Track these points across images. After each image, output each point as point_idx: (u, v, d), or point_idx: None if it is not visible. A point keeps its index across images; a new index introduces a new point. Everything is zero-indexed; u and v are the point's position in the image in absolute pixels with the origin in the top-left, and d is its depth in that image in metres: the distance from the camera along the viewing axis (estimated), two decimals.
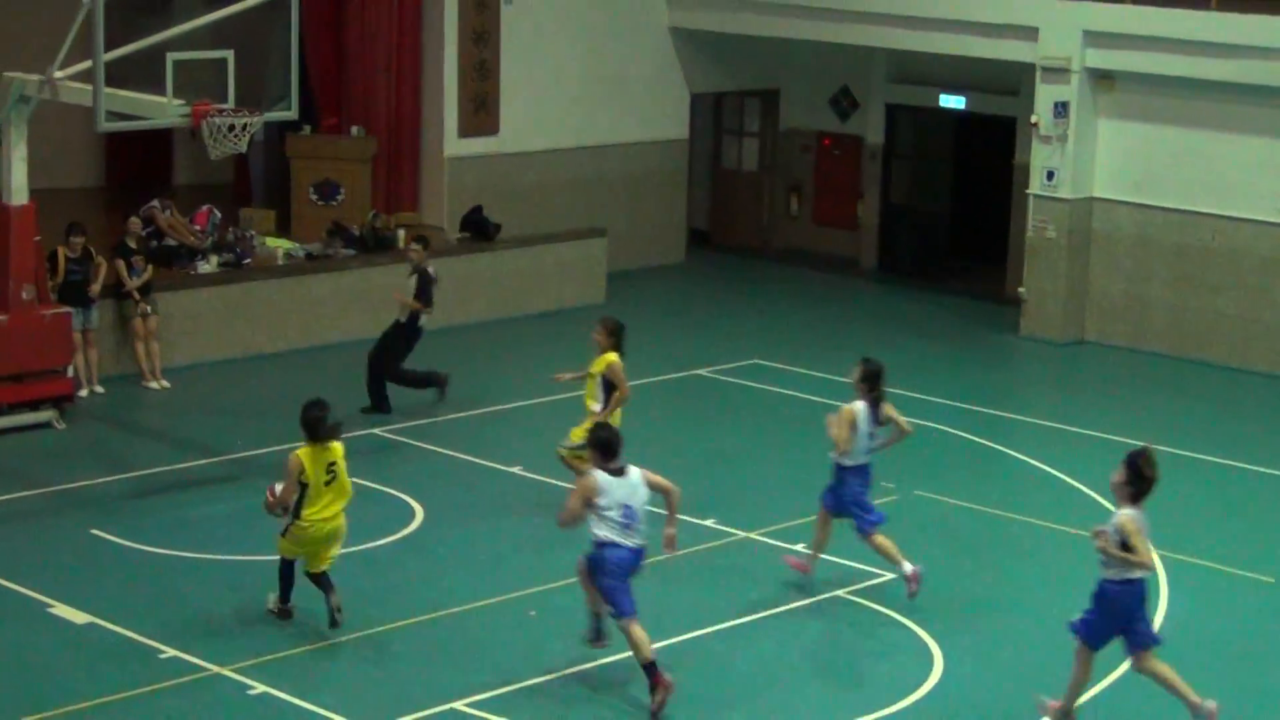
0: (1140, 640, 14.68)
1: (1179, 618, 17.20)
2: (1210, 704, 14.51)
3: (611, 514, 14.89)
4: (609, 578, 14.97)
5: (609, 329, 19.21)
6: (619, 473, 15.00)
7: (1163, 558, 18.62)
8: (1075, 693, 14.90)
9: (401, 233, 27.46)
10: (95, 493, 19.39)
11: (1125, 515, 14.38)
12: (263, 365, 24.90)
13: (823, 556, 17.84)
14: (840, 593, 17.44)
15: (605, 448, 15.06)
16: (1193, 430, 23.34)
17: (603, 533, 14.92)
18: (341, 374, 24.42)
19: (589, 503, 14.93)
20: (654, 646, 15.08)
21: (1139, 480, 14.59)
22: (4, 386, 21.48)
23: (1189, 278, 26.87)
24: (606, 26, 30.60)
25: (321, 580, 16.09)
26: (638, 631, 14.92)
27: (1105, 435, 22.94)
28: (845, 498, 17.38)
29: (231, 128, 19.81)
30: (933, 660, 16.04)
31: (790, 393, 24.41)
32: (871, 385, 17.30)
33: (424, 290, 22.57)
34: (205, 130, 19.72)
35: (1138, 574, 14.43)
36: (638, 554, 15.08)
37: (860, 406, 17.25)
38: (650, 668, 14.85)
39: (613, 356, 19.07)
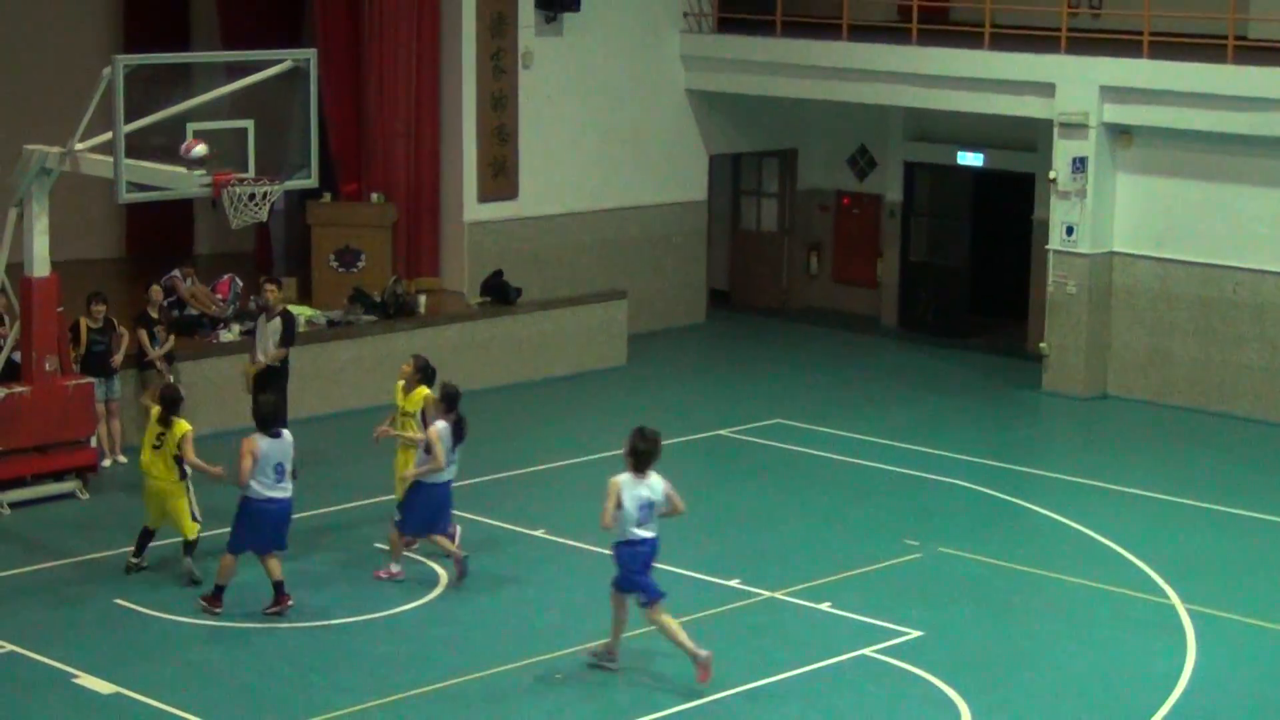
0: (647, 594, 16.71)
1: (1208, 672, 17.13)
2: (705, 653, 16.38)
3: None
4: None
5: (418, 365, 19.83)
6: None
7: (1190, 611, 18.61)
8: (617, 635, 16.94)
9: (423, 298, 27.52)
10: (119, 562, 19.38)
11: (614, 479, 16.66)
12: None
13: (841, 613, 17.82)
14: (867, 651, 17.38)
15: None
16: (1218, 483, 23.26)
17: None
18: (363, 440, 24.40)
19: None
20: (681, 709, 15.03)
21: (634, 453, 16.77)
22: (28, 457, 21.51)
23: (1211, 331, 26.82)
24: (624, 90, 30.71)
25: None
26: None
27: (1129, 490, 22.90)
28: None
29: (252, 196, 19.88)
30: (960, 717, 15.98)
31: (813, 452, 24.38)
32: None
33: (290, 332, 22.76)
34: (226, 199, 19.80)
35: (640, 534, 16.66)
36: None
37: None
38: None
39: (426, 390, 19.64)
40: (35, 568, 19.23)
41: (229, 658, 17.09)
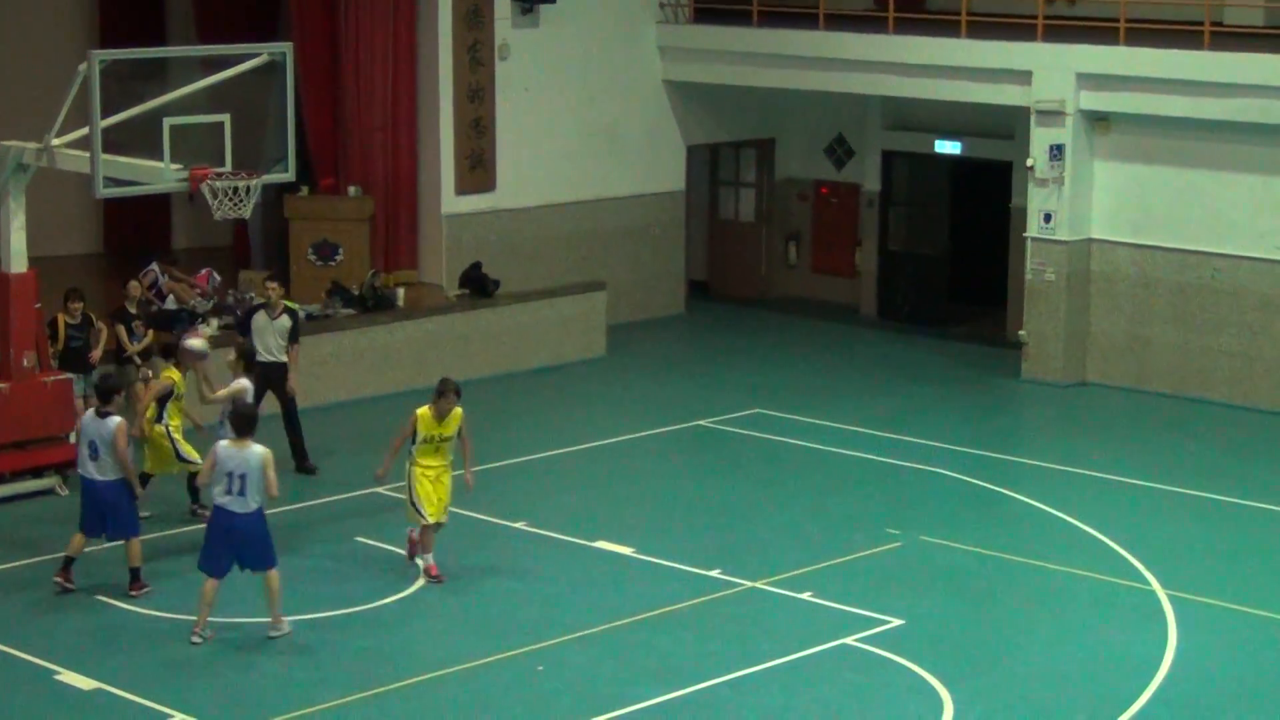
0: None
1: (1189, 657, 17.17)
2: (285, 623, 17.20)
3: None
4: None
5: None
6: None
7: (1171, 597, 18.65)
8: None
9: (401, 291, 27.50)
10: (99, 559, 19.34)
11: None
12: (265, 426, 24.70)
13: (822, 602, 17.87)
14: (849, 640, 17.40)
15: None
16: (1197, 469, 23.33)
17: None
18: (343, 433, 24.44)
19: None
20: (662, 699, 15.00)
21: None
22: (7, 454, 21.47)
23: (1190, 317, 26.87)
24: (601, 81, 30.69)
25: None
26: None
27: (1109, 476, 22.95)
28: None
29: (236, 190, 19.86)
30: (942, 705, 16.00)
31: (793, 442, 24.39)
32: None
33: (298, 329, 22.87)
34: (206, 193, 19.76)
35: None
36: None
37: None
38: None
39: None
40: (15, 564, 19.19)
41: (211, 653, 17.06)
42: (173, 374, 20.49)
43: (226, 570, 17.35)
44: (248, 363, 20.34)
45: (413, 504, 18.80)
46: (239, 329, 22.64)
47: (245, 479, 17.07)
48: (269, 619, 17.43)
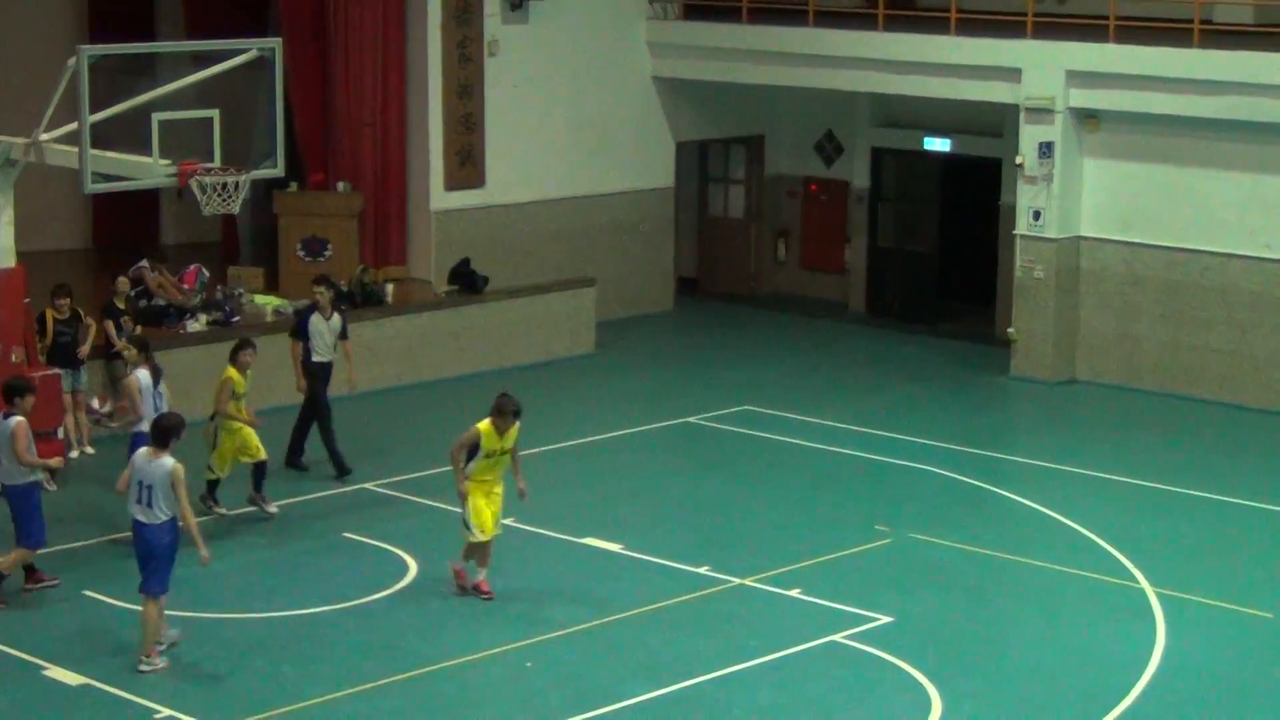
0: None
1: (1178, 655, 17.18)
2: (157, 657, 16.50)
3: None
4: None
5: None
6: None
7: (1159, 595, 18.66)
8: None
9: (390, 287, 27.47)
10: (88, 554, 19.33)
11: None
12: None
13: (810, 599, 17.86)
14: (837, 637, 17.40)
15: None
16: (1186, 467, 23.33)
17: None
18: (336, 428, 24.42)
19: None
20: (652, 695, 14.99)
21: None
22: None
23: (1179, 314, 26.88)
24: (590, 77, 30.68)
25: None
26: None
27: (1098, 474, 22.95)
28: None
29: (224, 186, 19.83)
30: (931, 703, 16.00)
31: (782, 439, 24.38)
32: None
33: (347, 327, 22.92)
34: (196, 188, 19.73)
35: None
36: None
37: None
38: None
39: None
40: (2, 559, 19.12)
41: (199, 649, 17.03)
42: (231, 372, 20.41)
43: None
44: (146, 353, 20.11)
45: (465, 521, 18.24)
46: (297, 333, 22.48)
47: (152, 490, 16.41)
48: (169, 632, 16.91)
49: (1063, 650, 17.34)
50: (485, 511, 18.21)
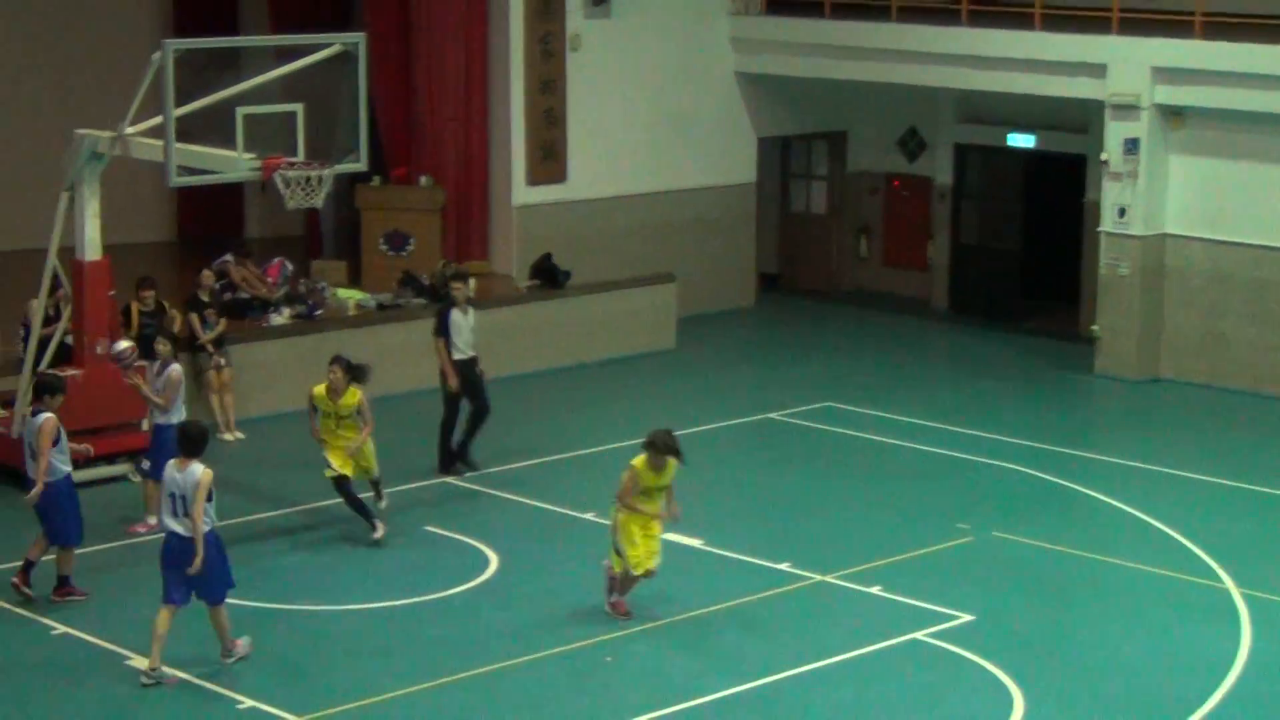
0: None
1: (1263, 656, 17.02)
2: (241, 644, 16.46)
3: None
4: None
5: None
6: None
7: (1246, 595, 18.50)
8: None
9: (472, 282, 27.50)
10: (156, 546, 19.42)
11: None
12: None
13: (892, 596, 17.79)
14: (918, 635, 17.33)
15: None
16: (1272, 466, 23.11)
17: None
18: (413, 423, 24.47)
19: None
20: (732, 691, 14.94)
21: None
22: (80, 440, 21.56)
23: (1266, 313, 26.64)
24: (672, 72, 30.65)
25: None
26: None
27: (1183, 473, 22.78)
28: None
29: (308, 180, 19.90)
30: (1013, 702, 15.91)
31: (863, 435, 24.31)
32: None
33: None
34: (279, 182, 19.81)
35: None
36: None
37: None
38: None
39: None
40: (88, 550, 19.22)
41: (282, 640, 17.11)
42: (318, 389, 19.89)
43: (184, 600, 16.27)
44: (175, 348, 20.12)
45: (617, 549, 17.43)
46: (441, 331, 22.08)
47: (188, 501, 16.04)
48: (227, 643, 16.55)
49: (1146, 651, 17.22)
50: (636, 540, 17.34)
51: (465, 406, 22.38)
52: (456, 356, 22.00)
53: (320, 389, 19.73)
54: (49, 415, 17.79)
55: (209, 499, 16.12)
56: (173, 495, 16.14)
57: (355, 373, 19.77)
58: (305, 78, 20.62)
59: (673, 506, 17.60)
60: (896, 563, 19.36)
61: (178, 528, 16.11)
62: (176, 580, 16.16)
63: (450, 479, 22.13)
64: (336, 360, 19.87)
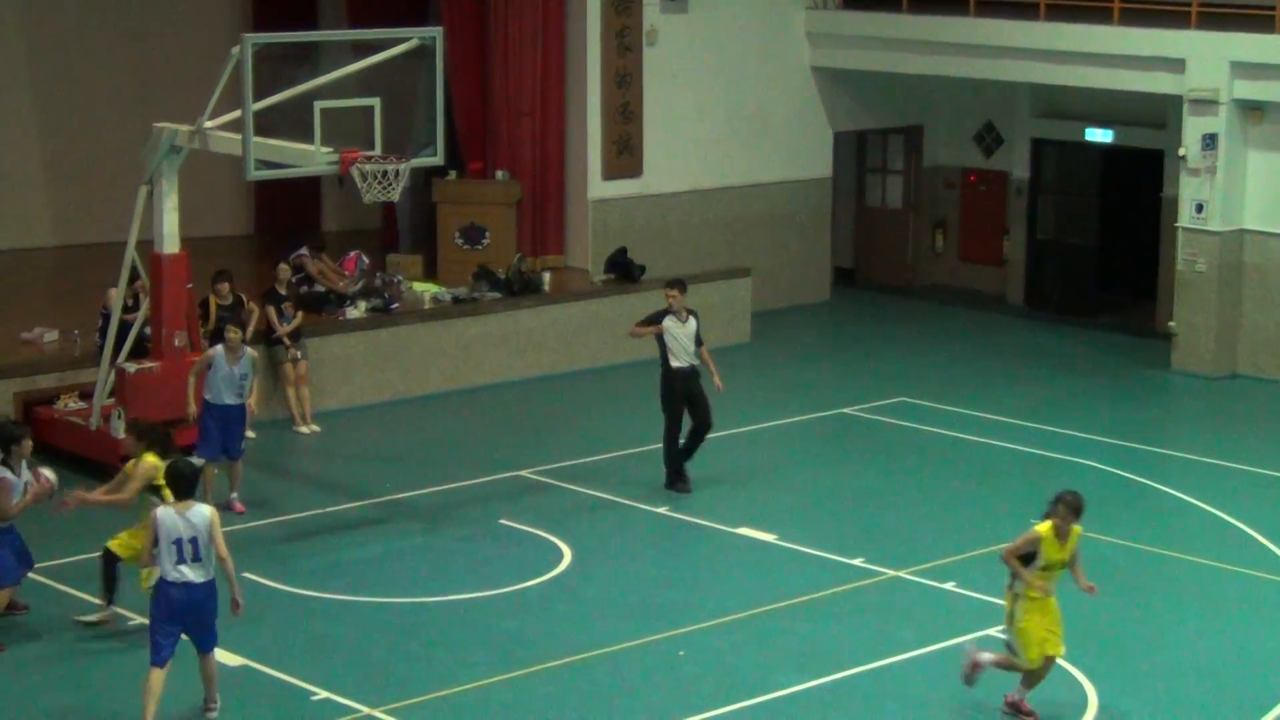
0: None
1: None
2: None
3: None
4: None
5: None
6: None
7: None
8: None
9: (547, 275, 27.58)
10: (247, 537, 19.56)
11: None
12: (411, 409, 25.07)
13: (965, 592, 17.76)
14: (992, 631, 17.26)
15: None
16: None
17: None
18: (488, 416, 24.59)
19: None
20: (802, 687, 14.92)
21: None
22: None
23: None
24: (748, 67, 30.64)
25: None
26: None
27: (1260, 470, 22.65)
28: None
29: (384, 174, 19.99)
30: (1087, 698, 15.86)
31: (938, 431, 24.25)
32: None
33: (700, 331, 21.50)
34: (356, 175, 19.91)
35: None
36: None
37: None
38: None
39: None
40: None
41: (356, 632, 17.20)
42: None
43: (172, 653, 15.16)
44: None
45: (1010, 645, 15.54)
46: (647, 322, 21.40)
47: (197, 543, 14.88)
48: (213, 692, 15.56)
49: (1222, 649, 17.12)
50: (1039, 630, 15.31)
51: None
52: (675, 364, 21.11)
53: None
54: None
55: None
56: (178, 541, 14.82)
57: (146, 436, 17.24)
58: (382, 72, 20.70)
59: (1085, 579, 15.69)
60: (971, 559, 19.31)
61: (194, 575, 14.89)
62: (173, 634, 15.03)
63: (524, 471, 22.18)
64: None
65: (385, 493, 21.21)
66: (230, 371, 20.17)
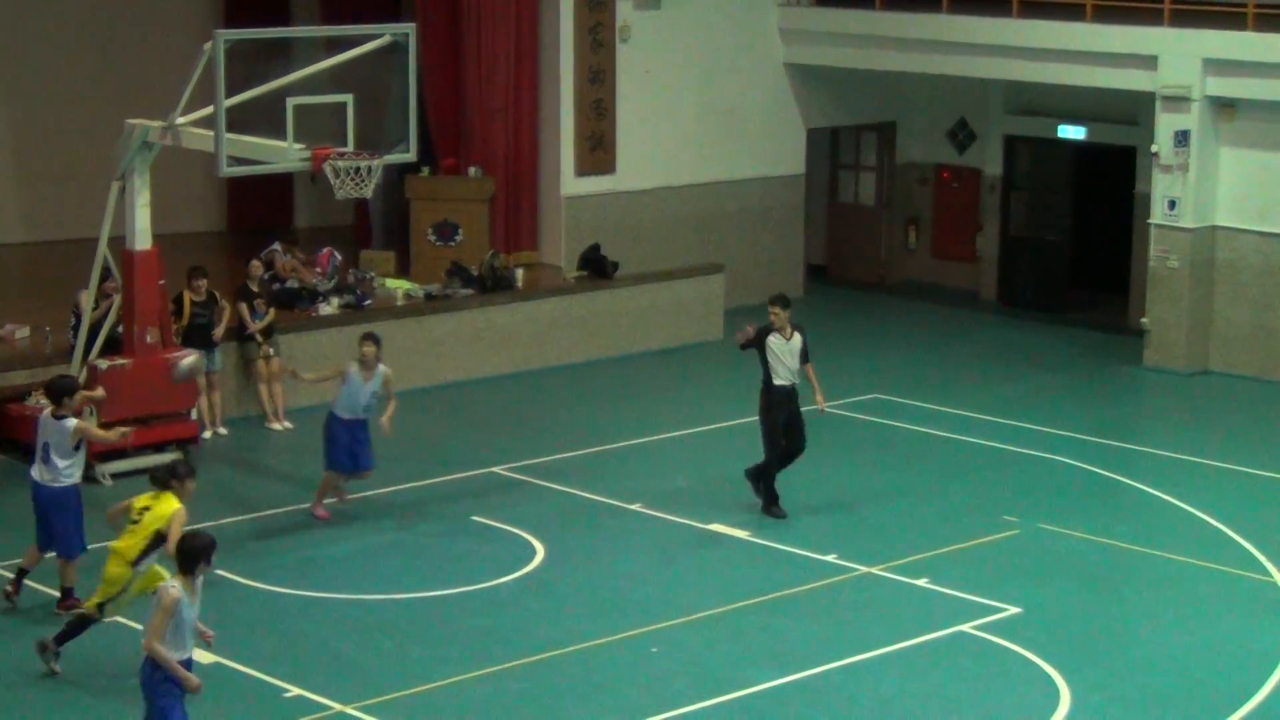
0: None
1: None
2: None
3: None
4: None
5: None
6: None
7: None
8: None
9: (520, 272, 27.56)
10: (220, 534, 19.32)
11: None
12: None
13: (938, 588, 17.77)
14: (965, 627, 17.32)
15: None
16: None
17: None
18: (460, 413, 24.57)
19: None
20: (777, 683, 14.96)
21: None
22: (129, 429, 21.66)
23: None
24: (721, 64, 30.64)
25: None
26: None
27: (1232, 466, 22.70)
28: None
29: (357, 170, 19.96)
30: (1059, 695, 15.89)
31: (912, 427, 24.28)
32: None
33: (808, 348, 20.94)
34: (329, 172, 19.88)
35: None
36: None
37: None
38: None
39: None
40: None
41: (328, 629, 17.19)
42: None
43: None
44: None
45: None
46: (751, 345, 20.76)
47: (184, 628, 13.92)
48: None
49: (1194, 644, 17.16)
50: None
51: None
52: (777, 383, 20.48)
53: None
54: (77, 421, 17.32)
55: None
56: (184, 625, 13.91)
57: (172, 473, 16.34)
58: (355, 68, 20.68)
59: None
60: (943, 555, 19.35)
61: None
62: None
63: (496, 468, 22.17)
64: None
65: (358, 490, 21.14)
66: (363, 388, 19.95)
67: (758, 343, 20.63)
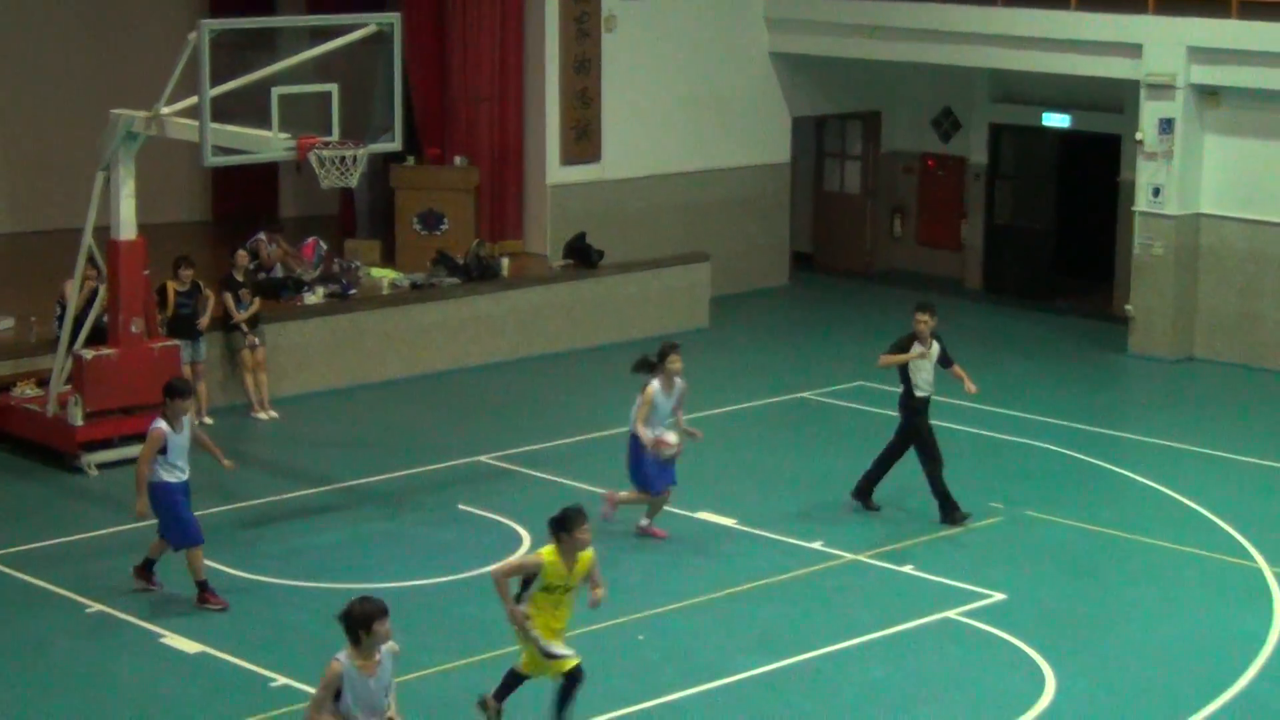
0: None
1: None
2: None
3: None
4: None
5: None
6: None
7: (1277, 574, 18.49)
8: None
9: (505, 261, 27.56)
10: (206, 523, 19.43)
11: None
12: (369, 395, 25.05)
13: (924, 575, 17.80)
14: (950, 613, 17.35)
15: None
16: None
17: None
18: (446, 402, 24.58)
19: None
20: (764, 670, 14.97)
21: None
22: (114, 419, 21.68)
23: None
24: (707, 52, 30.64)
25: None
26: None
27: (1216, 453, 22.75)
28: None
29: (342, 160, 19.95)
30: (1044, 681, 15.93)
31: (896, 415, 24.24)
32: None
33: (948, 353, 20.53)
34: (314, 161, 19.86)
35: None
36: None
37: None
38: None
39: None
40: (122, 528, 19.37)
41: (315, 618, 17.16)
42: (546, 553, 14.63)
43: None
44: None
45: None
46: (896, 350, 20.37)
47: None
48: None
49: (1178, 630, 17.21)
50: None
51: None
52: (918, 395, 20.09)
53: (551, 555, 14.62)
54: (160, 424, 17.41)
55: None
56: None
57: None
58: (340, 58, 20.67)
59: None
60: (929, 541, 19.39)
61: None
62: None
63: (483, 457, 22.16)
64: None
65: (343, 479, 21.14)
66: (667, 407, 19.57)
67: (904, 353, 20.15)
